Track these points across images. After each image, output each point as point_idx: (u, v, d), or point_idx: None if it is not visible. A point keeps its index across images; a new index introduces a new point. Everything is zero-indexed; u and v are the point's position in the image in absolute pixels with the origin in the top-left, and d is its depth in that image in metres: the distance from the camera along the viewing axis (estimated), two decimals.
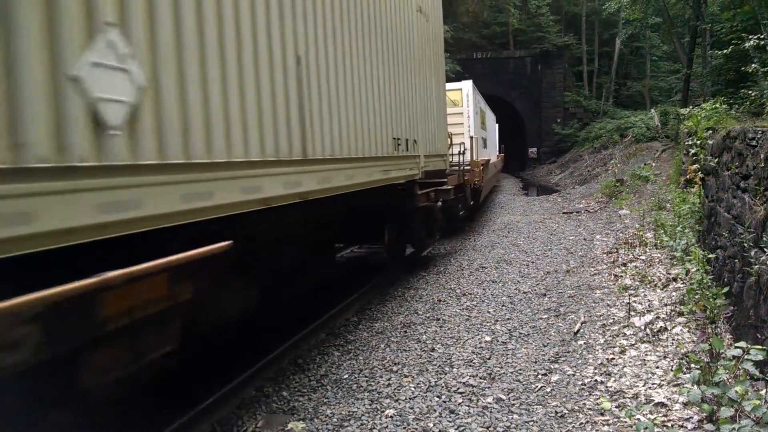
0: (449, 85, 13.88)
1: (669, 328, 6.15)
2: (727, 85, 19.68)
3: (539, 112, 39.77)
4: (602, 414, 4.52)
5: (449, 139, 11.46)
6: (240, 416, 4.78)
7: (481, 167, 15.32)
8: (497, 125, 31.73)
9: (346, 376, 5.62)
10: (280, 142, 4.34)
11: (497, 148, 31.10)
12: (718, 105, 12.07)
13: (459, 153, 12.69)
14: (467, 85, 15.36)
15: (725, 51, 14.94)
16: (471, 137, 14.77)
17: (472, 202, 14.60)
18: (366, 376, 5.59)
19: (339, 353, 6.30)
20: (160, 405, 4.20)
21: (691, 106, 15.51)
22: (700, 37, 23.63)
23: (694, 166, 9.09)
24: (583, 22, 40.67)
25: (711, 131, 8.82)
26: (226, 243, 3.37)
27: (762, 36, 12.37)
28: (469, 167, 13.50)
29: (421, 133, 9.04)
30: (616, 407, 4.60)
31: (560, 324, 6.88)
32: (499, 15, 41.55)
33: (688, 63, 23.42)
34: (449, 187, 10.30)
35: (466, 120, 14.96)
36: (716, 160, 7.47)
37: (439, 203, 10.11)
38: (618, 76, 39.95)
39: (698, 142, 9.10)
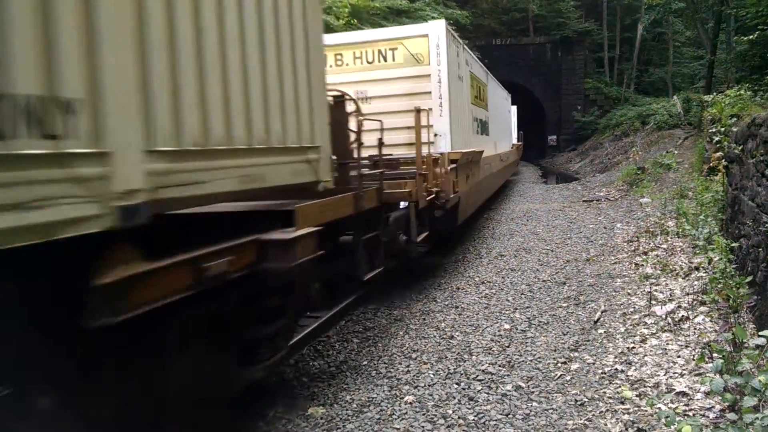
0: (403, 29, 9.83)
1: (691, 317, 6.10)
2: (752, 71, 19.28)
3: (559, 99, 39.31)
4: (623, 402, 4.50)
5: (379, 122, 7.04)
6: (261, 401, 4.83)
7: (454, 167, 9.15)
8: (513, 108, 28.13)
9: (365, 363, 5.66)
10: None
11: (513, 136, 26.00)
12: (742, 92, 11.83)
13: (427, 143, 8.40)
14: (437, 29, 9.38)
15: (750, 37, 14.67)
16: (444, 113, 9.25)
17: (421, 237, 7.81)
18: (385, 363, 5.62)
19: (358, 340, 6.34)
20: None
21: (714, 93, 15.21)
22: (724, 22, 23.15)
23: (718, 154, 8.95)
24: (604, 8, 40.02)
25: (735, 118, 8.66)
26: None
27: None
28: (418, 171, 7.58)
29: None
30: (636, 396, 4.58)
31: (580, 312, 6.85)
32: (519, 1, 41.08)
33: (711, 49, 22.97)
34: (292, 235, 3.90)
35: (435, 87, 9.22)
36: (740, 148, 7.34)
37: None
38: (640, 62, 39.33)
39: (722, 129, 8.95)
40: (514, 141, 27.77)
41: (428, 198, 7.87)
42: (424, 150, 8.04)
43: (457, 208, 9.67)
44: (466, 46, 12.10)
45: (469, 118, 11.97)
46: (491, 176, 15.23)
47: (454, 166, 9.14)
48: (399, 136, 8.81)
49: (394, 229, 6.90)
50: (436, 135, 9.15)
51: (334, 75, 9.01)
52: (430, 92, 9.33)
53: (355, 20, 15.23)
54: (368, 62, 9.52)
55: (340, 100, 6.05)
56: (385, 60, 9.47)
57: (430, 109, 9.07)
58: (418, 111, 8.01)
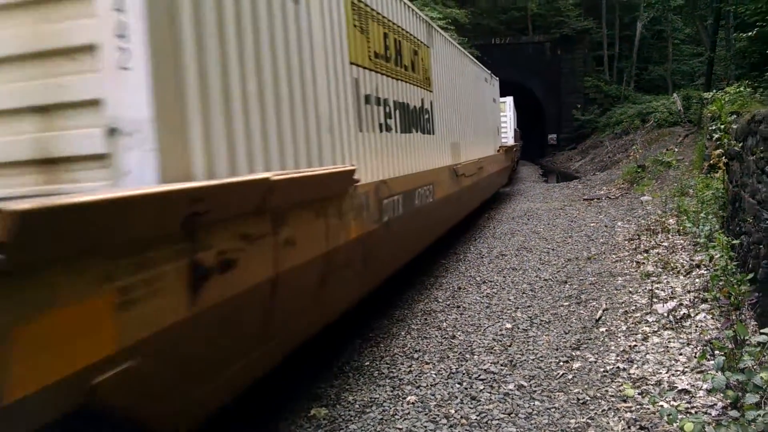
0: None
1: (692, 315, 6.10)
2: (752, 68, 19.27)
3: (559, 97, 39.30)
4: (625, 401, 4.51)
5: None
6: (263, 402, 4.84)
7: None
8: (509, 100, 24.41)
9: (367, 363, 5.66)
10: None
11: (501, 135, 20.30)
12: (742, 89, 11.83)
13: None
14: None
15: (750, 33, 14.66)
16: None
17: None
18: (387, 363, 5.63)
19: (360, 340, 6.34)
20: None
21: (714, 90, 15.20)
22: (723, 19, 23.14)
23: (718, 151, 8.93)
24: (603, 6, 40.00)
25: (735, 115, 8.65)
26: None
27: None
28: None
29: None
30: (639, 394, 4.59)
31: (582, 311, 6.85)
32: (518, 0, 41.11)
33: (711, 46, 22.97)
34: None
35: None
36: (740, 145, 7.34)
37: None
38: (639, 60, 39.29)
39: (722, 126, 8.93)
40: (508, 141, 22.37)
41: None
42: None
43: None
44: None
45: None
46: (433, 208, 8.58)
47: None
48: None
49: None
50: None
51: None
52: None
53: None
54: None
55: None
56: None
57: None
58: None
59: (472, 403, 4.68)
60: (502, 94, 22.89)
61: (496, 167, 16.39)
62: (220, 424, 4.19)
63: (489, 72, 16.99)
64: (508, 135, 23.01)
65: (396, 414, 4.57)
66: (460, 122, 11.26)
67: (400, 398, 4.85)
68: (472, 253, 10.53)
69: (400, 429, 4.33)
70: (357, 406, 4.76)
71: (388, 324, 6.84)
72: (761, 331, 3.49)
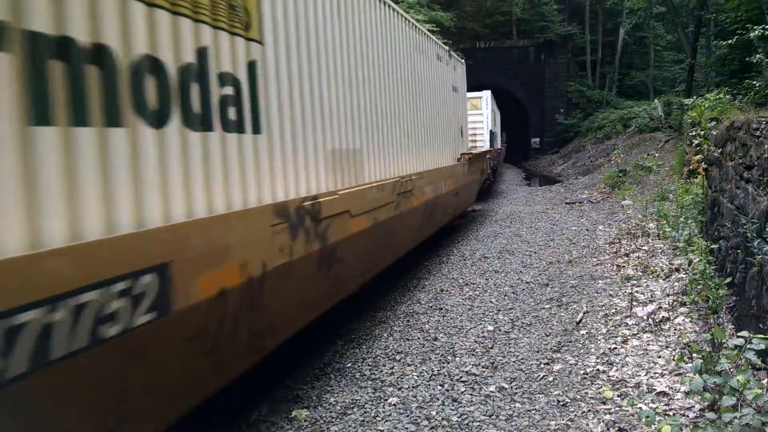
0: None
1: (671, 318, 6.17)
2: (732, 75, 19.57)
3: (542, 102, 39.59)
4: (604, 403, 4.54)
5: None
6: (243, 404, 4.81)
7: None
8: (485, 95, 20.46)
9: (349, 365, 5.66)
10: None
11: (466, 139, 14.83)
12: (722, 95, 12.02)
13: None
14: None
15: (730, 41, 14.88)
16: None
17: None
18: (369, 365, 5.62)
19: (342, 342, 6.33)
20: None
21: (694, 97, 15.43)
22: (704, 26, 23.49)
23: (698, 157, 9.07)
24: (586, 12, 40.38)
25: (715, 122, 8.79)
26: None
27: (766, 26, 12.30)
28: None
29: None
30: (618, 396, 4.63)
31: (562, 314, 6.90)
32: (502, 4, 41.31)
33: (692, 53, 23.28)
34: None
35: None
36: (720, 151, 7.45)
37: None
38: (621, 66, 39.71)
39: (702, 132, 9.08)
40: (483, 145, 19.08)
41: None
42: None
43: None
44: None
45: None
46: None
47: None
48: None
49: None
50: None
51: None
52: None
53: None
54: None
55: None
56: None
57: None
58: None
59: (453, 405, 4.69)
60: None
61: (453, 184, 11.27)
62: (201, 422, 4.16)
63: (447, 50, 12.38)
64: (484, 138, 19.43)
65: (377, 416, 4.57)
66: (363, 112, 6.83)
67: (382, 400, 4.86)
68: (455, 256, 10.56)
69: (381, 430, 4.33)
70: (338, 407, 4.76)
71: (371, 325, 6.84)
72: (738, 334, 3.54)
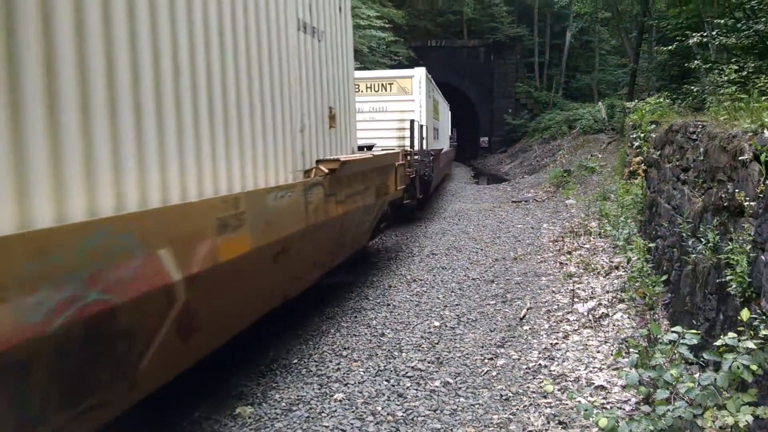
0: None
1: (610, 314, 6.36)
2: (671, 80, 20.26)
3: (491, 102, 40.16)
4: (545, 397, 4.65)
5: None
6: (184, 402, 4.71)
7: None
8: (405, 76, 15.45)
9: (295, 361, 5.61)
10: None
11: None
12: (662, 99, 12.41)
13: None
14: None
15: (670, 47, 15.38)
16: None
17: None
18: (315, 361, 5.60)
19: (289, 338, 6.28)
20: None
21: (636, 100, 15.88)
22: (647, 32, 24.23)
23: (638, 158, 9.36)
24: (535, 14, 41.13)
25: (654, 125, 9.08)
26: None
27: (705, 33, 12.78)
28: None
29: None
30: (558, 390, 4.74)
31: (507, 310, 7.02)
32: (454, 3, 41.68)
33: (634, 58, 24.00)
34: None
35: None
36: (658, 153, 7.72)
37: None
38: (568, 68, 40.62)
39: (642, 135, 9.36)
40: (408, 144, 13.05)
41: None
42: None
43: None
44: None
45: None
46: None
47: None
48: None
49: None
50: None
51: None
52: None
53: None
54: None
55: None
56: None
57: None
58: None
59: (398, 400, 4.71)
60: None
61: (267, 231, 4.78)
62: (141, 419, 4.05)
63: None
64: (414, 135, 12.99)
65: (323, 412, 4.55)
66: None
67: (328, 396, 4.84)
68: (403, 252, 10.61)
69: (326, 427, 4.32)
70: (284, 404, 4.71)
71: (318, 321, 6.80)
72: (672, 329, 3.67)
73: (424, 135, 14.21)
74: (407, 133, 12.88)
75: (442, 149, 20.48)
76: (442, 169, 22.04)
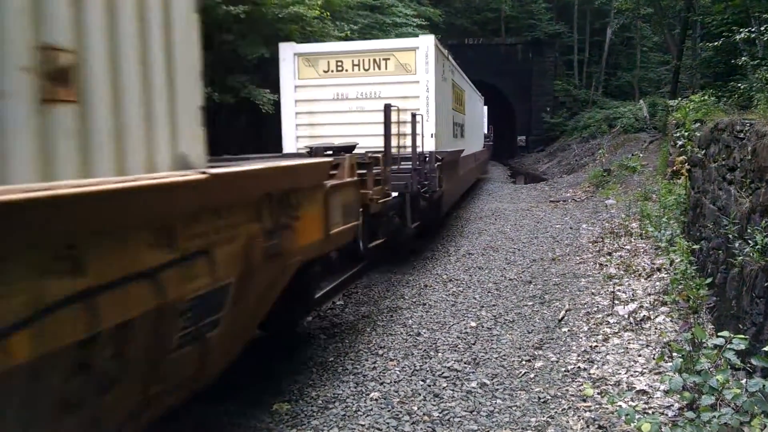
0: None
1: (652, 317, 6.22)
2: (716, 77, 19.75)
3: (529, 100, 39.74)
4: (584, 400, 4.57)
5: None
6: (225, 397, 4.77)
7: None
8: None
9: (331, 359, 5.64)
10: None
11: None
12: (706, 97, 12.14)
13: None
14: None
15: (715, 43, 15.01)
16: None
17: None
18: (351, 360, 5.61)
19: (325, 336, 6.31)
20: None
21: (679, 98, 15.57)
22: (690, 29, 23.66)
23: (681, 158, 9.15)
24: (574, 11, 40.53)
25: (699, 123, 8.88)
26: None
27: (752, 29, 12.43)
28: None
29: None
30: (598, 394, 4.66)
31: (545, 311, 6.93)
32: (492, 1, 41.39)
33: (678, 54, 23.47)
34: None
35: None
36: (703, 152, 7.52)
37: None
38: (608, 65, 39.94)
39: (686, 133, 9.15)
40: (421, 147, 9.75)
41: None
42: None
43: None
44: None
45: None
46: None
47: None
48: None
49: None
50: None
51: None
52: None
53: (328, 13, 15.07)
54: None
55: None
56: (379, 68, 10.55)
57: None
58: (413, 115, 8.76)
59: (435, 401, 4.69)
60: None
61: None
62: (179, 412, 4.12)
63: None
64: (420, 132, 9.39)
65: (359, 410, 4.56)
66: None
67: (364, 394, 4.84)
68: (439, 252, 10.57)
69: (362, 425, 4.32)
70: (320, 401, 4.74)
71: (354, 320, 6.82)
72: (718, 334, 3.58)
73: (423, 130, 9.87)
74: (409, 129, 9.03)
75: (462, 151, 14.65)
76: (466, 177, 17.15)
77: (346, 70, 10.61)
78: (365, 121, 9.99)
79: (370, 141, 8.70)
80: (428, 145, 10.26)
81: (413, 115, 8.88)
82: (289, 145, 10.81)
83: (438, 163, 9.94)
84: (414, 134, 8.89)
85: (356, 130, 9.68)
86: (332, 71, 10.69)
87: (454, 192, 13.97)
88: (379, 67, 10.59)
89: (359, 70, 10.60)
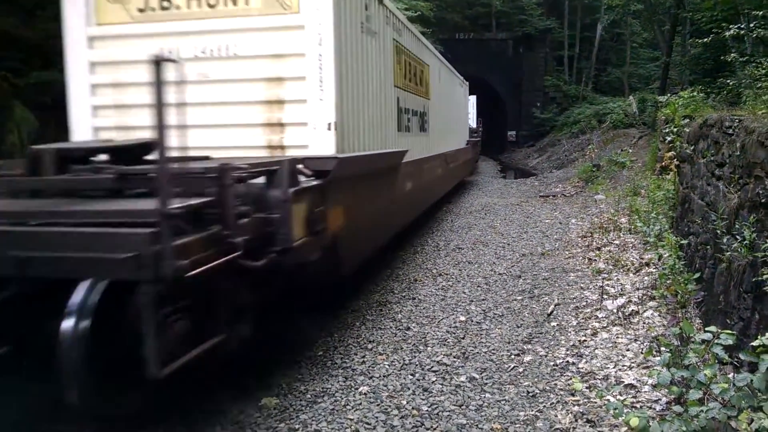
0: None
1: (640, 311, 6.25)
2: (705, 74, 19.84)
3: (519, 95, 39.72)
4: (573, 394, 4.58)
5: None
6: (213, 391, 4.75)
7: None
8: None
9: (320, 353, 5.62)
10: None
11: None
12: (695, 93, 12.15)
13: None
14: None
15: (705, 40, 15.03)
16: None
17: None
18: (340, 354, 5.60)
19: (316, 330, 6.29)
20: None
21: (669, 94, 15.59)
22: (680, 25, 23.72)
23: (670, 153, 9.17)
24: (565, 7, 40.54)
25: (688, 119, 8.88)
26: None
27: (741, 26, 12.46)
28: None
29: None
30: (586, 388, 4.67)
31: (534, 305, 6.94)
32: None
33: (667, 51, 23.52)
34: None
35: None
36: (692, 148, 7.54)
37: None
38: (598, 61, 40.00)
39: (675, 129, 9.16)
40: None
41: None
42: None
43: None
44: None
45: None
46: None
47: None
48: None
49: None
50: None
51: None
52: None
53: None
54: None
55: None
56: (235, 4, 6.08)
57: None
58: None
59: (423, 395, 4.69)
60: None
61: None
62: (168, 406, 4.09)
63: None
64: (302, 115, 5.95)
65: (348, 404, 4.55)
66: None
67: (353, 389, 4.83)
68: (429, 246, 10.57)
69: (351, 419, 4.31)
70: (308, 396, 4.72)
71: (343, 314, 6.80)
72: (706, 329, 3.59)
73: (311, 113, 6.02)
74: (290, 115, 6.03)
75: (407, 152, 8.99)
76: (431, 186, 12.73)
77: (178, 8, 6.25)
78: (212, 100, 6.12)
79: (229, 139, 6.07)
80: (316, 144, 6.01)
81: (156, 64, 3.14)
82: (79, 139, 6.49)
83: (316, 182, 5.00)
84: (160, 119, 3.18)
85: (200, 117, 5.77)
86: (153, 9, 6.30)
87: (390, 222, 8.48)
88: (235, 3, 6.16)
89: (200, 7, 6.23)
